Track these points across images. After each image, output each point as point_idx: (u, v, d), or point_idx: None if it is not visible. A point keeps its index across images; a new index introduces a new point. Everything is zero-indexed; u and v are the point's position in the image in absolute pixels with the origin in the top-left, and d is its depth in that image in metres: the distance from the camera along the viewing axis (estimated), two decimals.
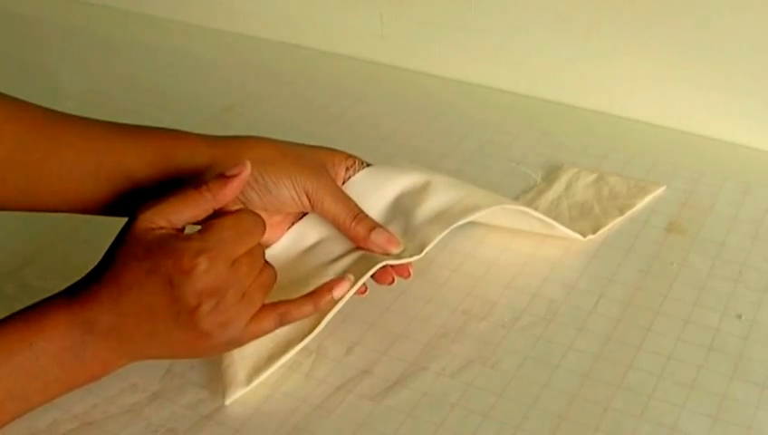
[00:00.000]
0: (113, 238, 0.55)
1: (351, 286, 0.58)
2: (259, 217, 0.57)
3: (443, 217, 0.63)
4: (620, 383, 0.59)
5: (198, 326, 0.53)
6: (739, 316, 0.64)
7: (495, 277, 0.69)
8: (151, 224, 0.53)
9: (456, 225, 0.62)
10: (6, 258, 0.73)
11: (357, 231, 0.62)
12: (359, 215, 0.62)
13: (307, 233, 0.64)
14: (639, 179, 0.79)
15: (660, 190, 0.78)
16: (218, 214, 0.56)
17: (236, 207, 0.58)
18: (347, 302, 0.59)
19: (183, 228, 0.55)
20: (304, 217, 0.65)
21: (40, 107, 0.62)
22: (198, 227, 0.55)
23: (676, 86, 0.87)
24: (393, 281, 0.62)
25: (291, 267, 0.62)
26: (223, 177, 0.56)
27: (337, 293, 0.57)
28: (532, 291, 0.68)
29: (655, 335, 0.63)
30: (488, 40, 0.96)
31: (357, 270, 0.60)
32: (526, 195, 0.78)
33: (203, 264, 0.52)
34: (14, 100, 0.61)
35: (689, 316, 0.64)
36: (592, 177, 0.79)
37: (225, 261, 0.53)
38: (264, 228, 0.57)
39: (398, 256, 0.61)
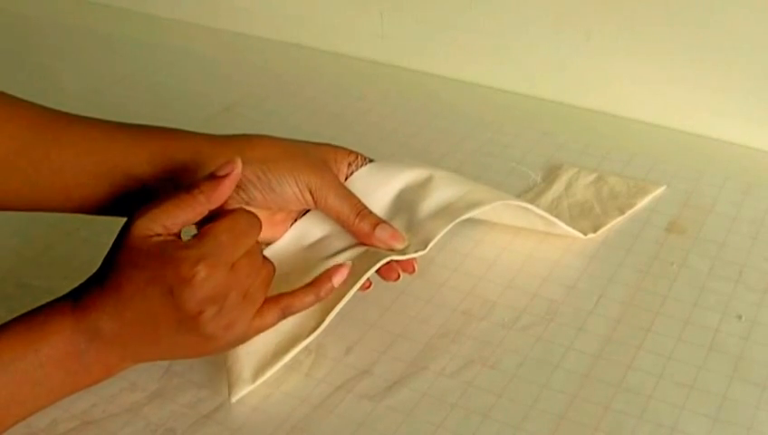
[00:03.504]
0: (113, 239, 0.55)
1: (350, 273, 0.58)
2: (254, 215, 0.57)
3: (446, 213, 0.62)
4: (620, 383, 0.59)
5: (202, 331, 0.53)
6: (739, 317, 0.64)
7: (495, 277, 0.69)
8: (148, 231, 0.53)
9: (459, 220, 0.62)
10: (6, 258, 0.73)
11: (361, 227, 0.62)
12: (362, 211, 0.62)
13: (310, 230, 0.64)
14: (639, 179, 0.79)
15: (660, 190, 0.78)
16: (215, 213, 0.56)
17: (235, 206, 0.57)
18: (347, 301, 0.58)
19: (180, 232, 0.55)
20: (307, 214, 0.64)
21: (40, 106, 0.61)
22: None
23: (677, 86, 0.87)
24: (399, 277, 0.62)
25: (293, 264, 0.62)
26: (214, 177, 0.55)
27: (336, 280, 0.57)
28: (533, 291, 0.67)
29: (655, 335, 0.63)
30: (488, 40, 0.96)
31: (361, 266, 0.60)
32: (526, 195, 0.78)
33: (202, 272, 0.51)
34: (15, 99, 0.61)
35: (689, 317, 0.64)
36: (592, 177, 0.79)
37: (225, 266, 0.53)
38: (260, 227, 0.57)
39: (403, 252, 0.61)
